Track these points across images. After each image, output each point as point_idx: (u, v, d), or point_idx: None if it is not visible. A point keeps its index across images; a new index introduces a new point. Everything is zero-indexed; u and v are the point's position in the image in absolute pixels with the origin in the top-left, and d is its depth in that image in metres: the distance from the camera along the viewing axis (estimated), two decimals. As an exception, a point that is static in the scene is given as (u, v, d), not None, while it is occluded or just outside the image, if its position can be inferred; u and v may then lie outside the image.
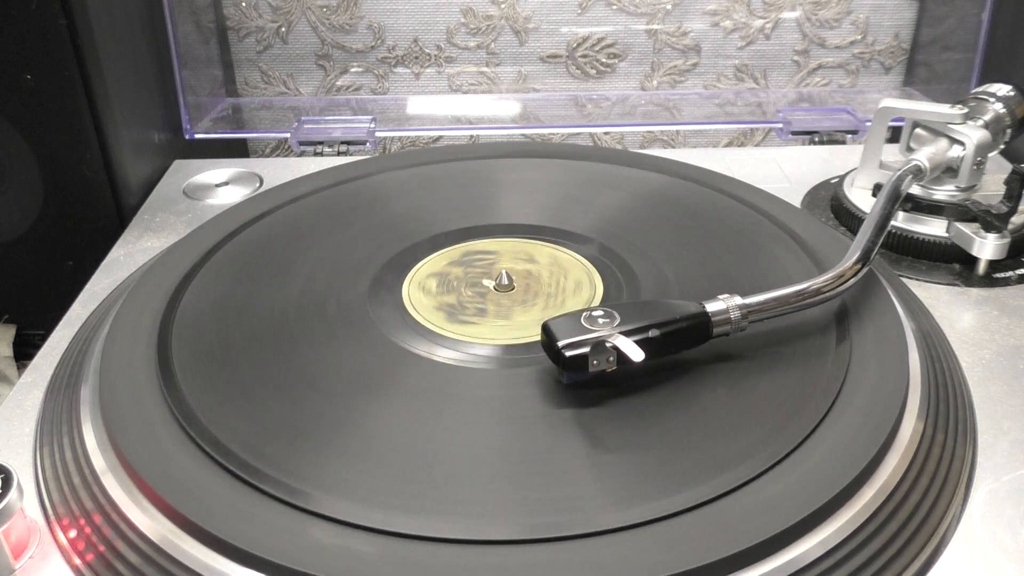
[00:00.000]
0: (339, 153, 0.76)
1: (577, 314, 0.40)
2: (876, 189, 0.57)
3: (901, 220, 0.57)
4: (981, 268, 0.55)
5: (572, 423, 0.39)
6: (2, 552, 0.35)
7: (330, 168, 0.64)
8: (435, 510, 0.34)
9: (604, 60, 0.88)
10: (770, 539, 0.33)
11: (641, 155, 0.66)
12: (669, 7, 0.85)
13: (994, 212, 0.54)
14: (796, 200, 0.65)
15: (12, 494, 0.34)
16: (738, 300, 0.42)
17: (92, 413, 0.41)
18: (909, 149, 0.59)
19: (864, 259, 0.46)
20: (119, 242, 0.62)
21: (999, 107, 0.59)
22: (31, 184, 0.64)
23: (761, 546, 0.33)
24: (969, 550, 0.36)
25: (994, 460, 0.40)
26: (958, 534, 0.37)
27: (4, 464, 0.35)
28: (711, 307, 0.42)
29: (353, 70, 0.89)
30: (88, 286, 0.56)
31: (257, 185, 0.70)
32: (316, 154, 0.76)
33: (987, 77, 0.78)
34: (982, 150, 0.57)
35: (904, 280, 0.54)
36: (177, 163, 0.74)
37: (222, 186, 0.70)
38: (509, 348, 0.44)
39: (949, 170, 0.58)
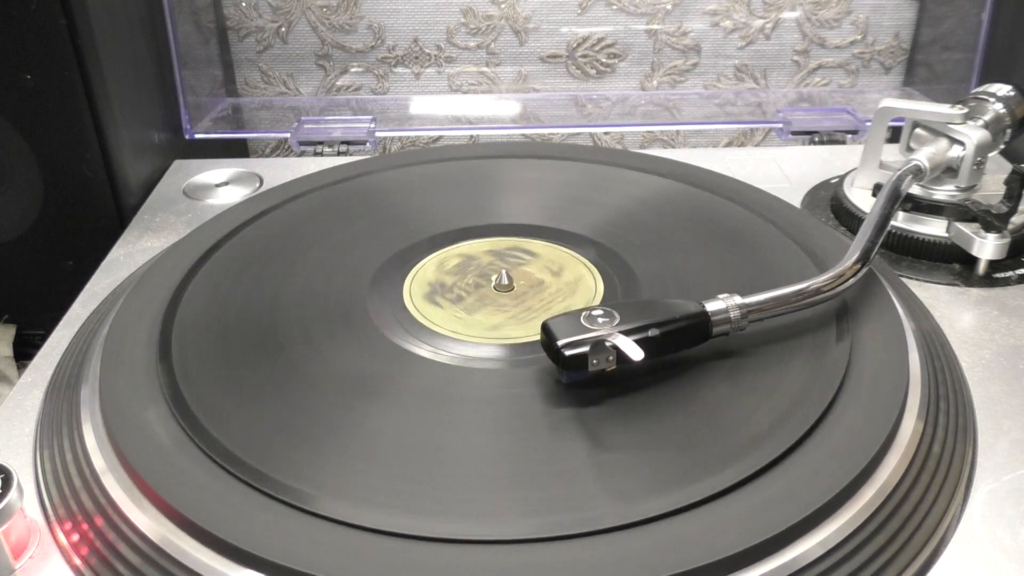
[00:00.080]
0: (339, 153, 0.76)
1: (577, 313, 0.40)
2: (876, 189, 0.57)
3: (901, 220, 0.57)
4: (981, 268, 0.55)
5: (571, 423, 0.39)
6: (2, 552, 0.35)
7: (330, 168, 0.64)
8: (435, 510, 0.34)
9: (604, 60, 0.88)
10: (770, 539, 0.33)
11: (641, 155, 0.66)
12: (669, 7, 0.85)
13: (994, 212, 0.54)
14: (796, 200, 0.65)
15: (12, 494, 0.34)
16: (738, 300, 0.42)
17: (92, 413, 0.41)
18: (909, 149, 0.59)
19: (864, 259, 0.46)
20: (119, 242, 0.62)
21: (999, 107, 0.59)
22: (31, 184, 0.64)
23: (761, 546, 0.33)
24: (969, 550, 0.36)
25: (994, 460, 0.40)
26: (958, 534, 0.37)
27: (4, 464, 0.35)
28: (711, 306, 0.42)
29: (353, 70, 0.89)
30: (88, 286, 0.56)
31: (257, 185, 0.70)
32: (316, 154, 0.76)
33: (987, 77, 0.78)
34: (982, 150, 0.57)
35: (904, 280, 0.54)
36: (177, 163, 0.74)
37: (222, 186, 0.70)
38: (509, 348, 0.44)
39: (949, 170, 0.58)
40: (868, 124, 0.69)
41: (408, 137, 0.91)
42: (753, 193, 0.59)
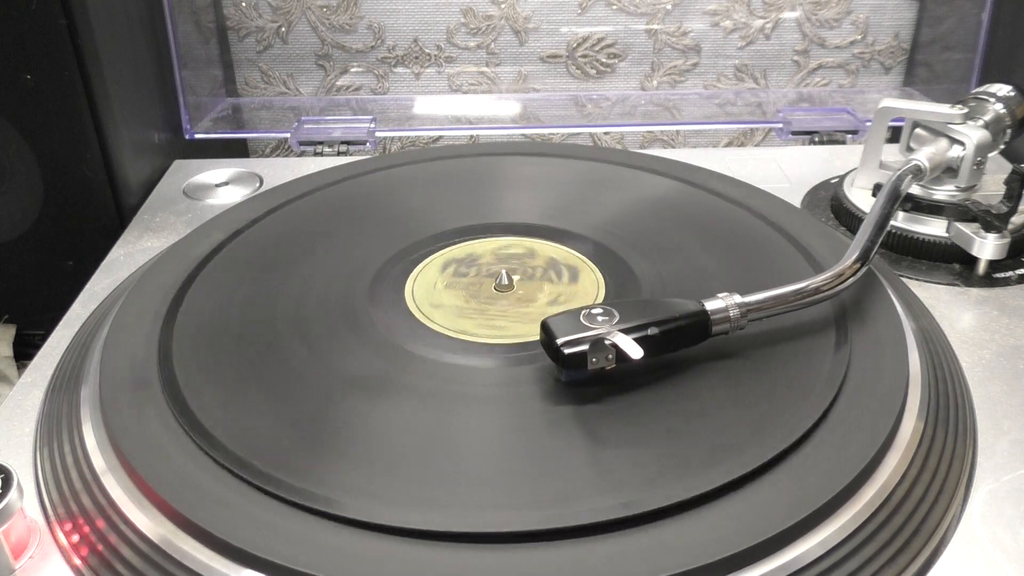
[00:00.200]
0: (339, 153, 0.76)
1: (576, 312, 0.40)
2: (876, 189, 0.57)
3: (901, 220, 0.57)
4: (981, 268, 0.55)
5: (571, 421, 0.39)
6: (2, 552, 0.35)
7: (330, 168, 0.64)
8: (434, 509, 0.34)
9: (604, 60, 0.88)
10: (770, 539, 0.33)
11: (641, 155, 0.66)
12: (669, 7, 0.85)
13: (994, 212, 0.54)
14: (796, 200, 0.65)
15: (12, 494, 0.34)
16: (737, 298, 0.42)
17: (92, 413, 0.41)
18: (909, 149, 0.59)
19: (863, 258, 0.46)
20: (119, 242, 0.62)
21: (999, 107, 0.59)
22: (31, 184, 0.64)
23: (761, 546, 0.33)
24: (969, 550, 0.36)
25: (994, 460, 0.40)
26: (958, 534, 0.37)
27: (4, 464, 0.35)
28: (710, 305, 0.42)
29: (353, 70, 0.89)
30: (88, 286, 0.56)
31: (257, 185, 0.70)
32: (316, 154, 0.76)
33: (987, 77, 0.78)
34: (982, 150, 0.57)
35: (904, 280, 0.54)
36: (177, 163, 0.74)
37: (222, 186, 0.70)
38: (508, 347, 0.44)
39: (949, 170, 0.58)
40: (868, 124, 0.69)
41: (408, 137, 0.91)
42: (753, 193, 0.59)
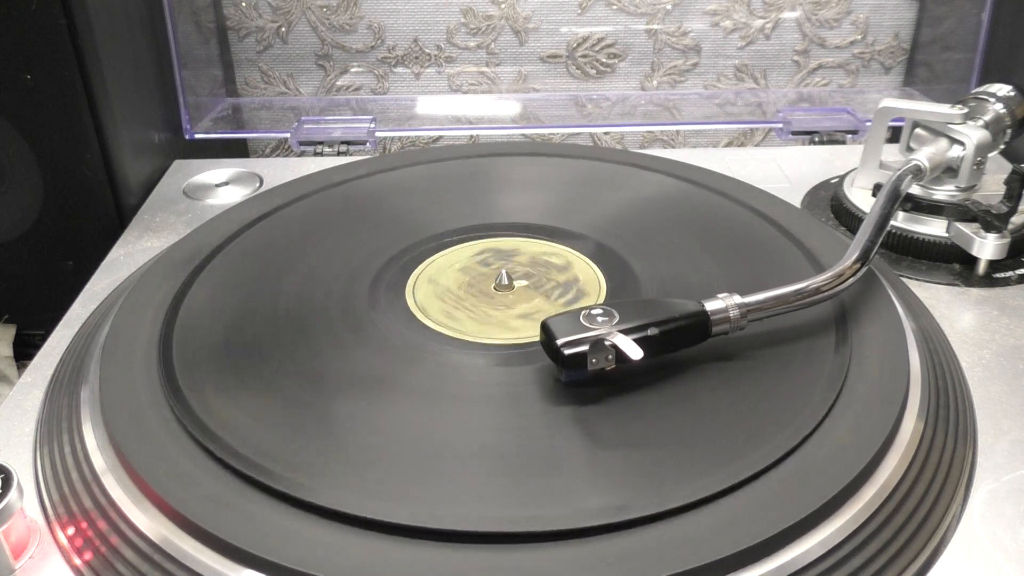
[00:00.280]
0: (339, 153, 0.76)
1: (576, 312, 0.40)
2: (876, 189, 0.57)
3: (901, 220, 0.57)
4: (981, 268, 0.55)
5: (570, 421, 0.39)
6: (2, 552, 0.35)
7: (330, 168, 0.64)
8: (434, 508, 0.34)
9: (604, 60, 0.88)
10: (770, 539, 0.33)
11: (641, 155, 0.66)
12: (669, 7, 0.85)
13: (994, 212, 0.54)
14: (796, 200, 0.65)
15: (12, 494, 0.34)
16: (737, 299, 0.42)
17: (92, 413, 0.41)
18: (909, 149, 0.59)
19: (863, 258, 0.46)
20: (119, 242, 0.62)
21: (999, 107, 0.59)
22: (31, 184, 0.64)
23: (761, 546, 0.33)
24: (969, 550, 0.36)
25: (994, 460, 0.40)
26: (958, 534, 0.37)
27: (4, 464, 0.35)
28: (710, 306, 0.42)
29: (353, 70, 0.89)
30: (88, 286, 0.56)
31: (257, 185, 0.70)
32: (316, 154, 0.76)
33: (987, 77, 0.78)
34: (982, 150, 0.57)
35: (904, 280, 0.54)
36: (177, 163, 0.74)
37: (222, 186, 0.70)
38: (508, 347, 0.44)
39: (949, 170, 0.58)
40: (868, 124, 0.69)
41: (408, 137, 0.91)
42: (753, 193, 0.59)
